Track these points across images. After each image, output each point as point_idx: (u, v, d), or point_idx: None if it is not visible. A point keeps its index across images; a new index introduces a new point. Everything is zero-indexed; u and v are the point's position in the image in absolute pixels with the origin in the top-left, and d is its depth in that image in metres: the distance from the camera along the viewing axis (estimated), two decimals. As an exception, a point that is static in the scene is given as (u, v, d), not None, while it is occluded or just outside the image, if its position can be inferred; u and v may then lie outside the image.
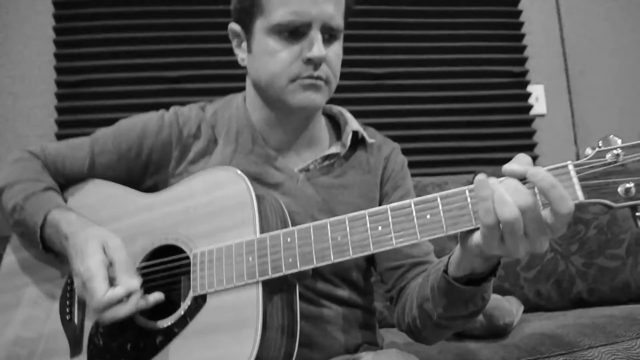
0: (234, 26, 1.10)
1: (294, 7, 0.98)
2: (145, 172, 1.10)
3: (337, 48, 1.05)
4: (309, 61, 1.00)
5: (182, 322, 0.89)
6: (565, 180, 0.71)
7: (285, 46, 1.01)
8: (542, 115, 2.54)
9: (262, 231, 0.89)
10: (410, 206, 0.79)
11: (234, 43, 1.11)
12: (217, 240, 0.91)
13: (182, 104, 1.16)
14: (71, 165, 1.11)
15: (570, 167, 0.73)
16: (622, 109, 2.59)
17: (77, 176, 1.11)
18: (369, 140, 1.15)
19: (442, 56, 2.48)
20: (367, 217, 0.81)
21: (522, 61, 2.53)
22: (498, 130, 2.48)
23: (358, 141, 1.15)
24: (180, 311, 0.90)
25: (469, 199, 0.76)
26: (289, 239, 0.85)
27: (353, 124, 1.15)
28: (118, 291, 0.86)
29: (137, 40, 2.31)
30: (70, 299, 1.01)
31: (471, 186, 0.75)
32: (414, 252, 1.09)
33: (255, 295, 0.85)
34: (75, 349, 0.97)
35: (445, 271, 0.87)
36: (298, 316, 0.90)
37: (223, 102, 1.17)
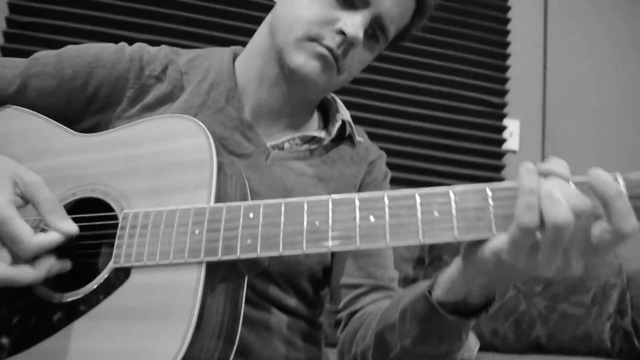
0: None
1: None
2: (87, 109, 0.89)
3: (369, 52, 0.91)
4: (340, 33, 0.83)
5: (92, 299, 0.68)
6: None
7: (326, 3, 0.84)
8: (513, 152, 2.46)
9: (217, 200, 0.70)
10: (415, 197, 0.62)
11: None
12: (158, 202, 0.71)
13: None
14: None
15: (620, 179, 0.56)
16: (594, 154, 2.54)
17: (0, 97, 0.88)
18: (357, 137, 0.99)
19: (425, 72, 2.36)
20: (356, 202, 0.63)
21: (503, 93, 2.44)
22: (468, 158, 2.38)
23: (344, 136, 0.99)
24: (93, 284, 0.69)
25: (490, 201, 0.59)
26: (251, 215, 0.66)
27: (345, 113, 0.99)
28: (53, 236, 0.65)
29: None
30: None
31: (493, 184, 0.59)
32: (378, 273, 0.94)
33: (194, 280, 0.65)
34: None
35: (429, 292, 0.69)
36: (241, 317, 0.71)
37: (205, 51, 0.98)
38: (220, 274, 0.67)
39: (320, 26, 0.83)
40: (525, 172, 0.55)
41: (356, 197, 0.64)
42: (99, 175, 0.76)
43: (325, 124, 1.02)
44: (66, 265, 0.70)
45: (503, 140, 2.42)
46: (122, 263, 0.68)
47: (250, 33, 0.97)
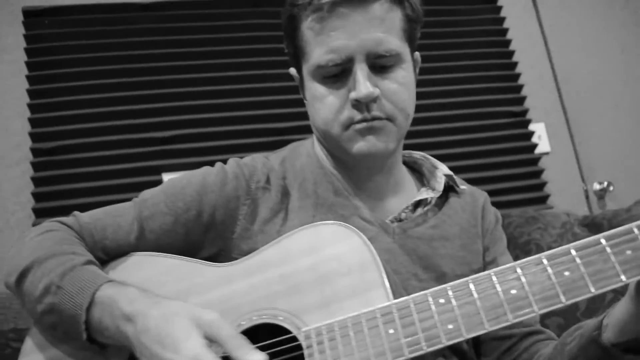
0: (292, 71, 0.98)
1: (330, 45, 0.84)
2: (205, 237, 0.89)
3: (399, 75, 0.88)
4: (357, 102, 0.84)
5: None
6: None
7: (332, 89, 0.87)
8: (547, 153, 2.47)
9: (394, 296, 0.69)
10: (601, 242, 0.62)
11: (299, 89, 0.98)
12: (333, 312, 0.70)
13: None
14: (114, 235, 0.88)
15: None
16: (622, 139, 2.56)
17: (122, 248, 0.88)
18: (461, 186, 1.00)
19: (441, 100, 2.39)
20: (544, 261, 0.63)
21: (521, 100, 2.47)
22: (506, 171, 2.38)
23: (447, 188, 0.99)
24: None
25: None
26: (441, 300, 0.66)
27: (443, 167, 1.00)
28: None
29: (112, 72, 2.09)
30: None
31: None
32: (525, 320, 0.93)
33: (406, 379, 0.64)
34: None
35: (599, 334, 0.70)
36: None
37: (289, 150, 0.99)
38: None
39: (343, 113, 0.86)
40: None
41: (543, 256, 0.64)
42: (260, 300, 0.75)
43: (422, 182, 1.03)
44: None
45: (534, 146, 2.44)
46: (323, 381, 0.67)
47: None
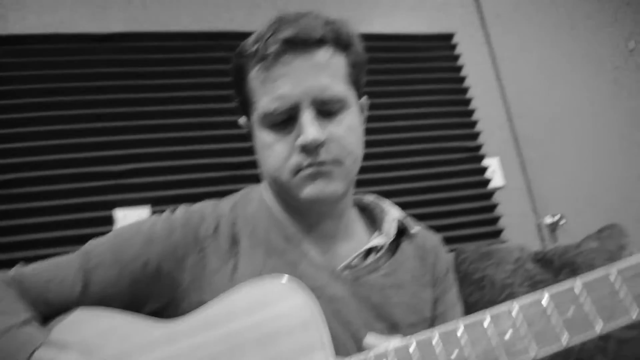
0: (241, 120, 0.98)
1: (276, 93, 0.86)
2: (153, 288, 0.87)
3: (346, 119, 0.89)
4: (304, 148, 0.85)
5: None
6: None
7: (279, 136, 0.88)
8: (500, 188, 2.52)
9: (343, 349, 0.69)
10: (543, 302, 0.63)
11: (250, 138, 0.99)
12: None
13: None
14: (58, 287, 0.85)
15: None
16: (573, 172, 2.65)
17: (65, 303, 0.85)
18: (413, 229, 1.00)
19: (396, 135, 2.42)
20: (544, 302, 0.63)
21: (475, 136, 2.53)
22: (461, 206, 2.42)
23: (400, 231, 1.00)
24: None
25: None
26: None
27: (395, 211, 1.00)
28: None
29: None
30: None
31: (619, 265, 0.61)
32: None
33: None
34: None
35: None
36: None
37: (241, 195, 0.99)
38: None
39: (291, 159, 0.87)
40: None
41: (546, 294, 0.64)
42: None
43: (374, 226, 1.03)
44: None
45: (488, 180, 2.49)
46: None
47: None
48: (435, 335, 0.65)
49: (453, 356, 0.63)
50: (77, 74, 2.06)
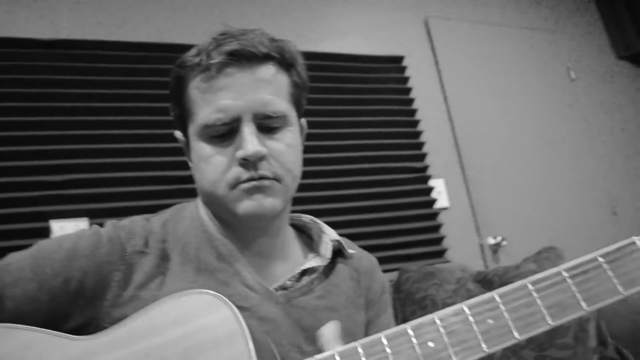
0: (177, 134, 0.96)
1: (218, 104, 0.84)
2: (74, 305, 0.82)
3: (286, 136, 0.88)
4: (244, 161, 0.84)
5: None
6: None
7: (218, 149, 0.86)
8: (445, 208, 2.57)
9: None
10: (464, 311, 0.64)
11: (185, 152, 0.96)
12: None
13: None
14: None
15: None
16: (515, 195, 2.72)
17: None
18: (349, 251, 1.00)
19: (345, 154, 2.43)
20: (466, 311, 0.64)
21: (422, 157, 2.57)
22: (406, 226, 2.44)
23: (335, 253, 0.99)
24: None
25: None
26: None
27: (331, 233, 0.99)
28: None
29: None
30: None
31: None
32: None
33: None
34: None
35: None
36: None
37: (171, 213, 0.95)
38: None
39: (230, 172, 0.85)
40: None
41: (464, 306, 0.64)
42: None
43: (310, 247, 1.02)
44: None
45: (434, 201, 2.53)
46: None
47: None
48: (358, 346, 0.65)
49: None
50: (13, 80, 1.99)
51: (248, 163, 0.84)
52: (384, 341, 0.65)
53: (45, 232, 1.86)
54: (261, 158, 0.84)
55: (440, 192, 2.57)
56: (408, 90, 2.65)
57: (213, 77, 0.85)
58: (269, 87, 0.86)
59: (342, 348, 0.66)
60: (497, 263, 2.54)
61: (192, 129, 0.89)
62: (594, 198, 2.99)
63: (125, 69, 2.15)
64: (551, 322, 0.63)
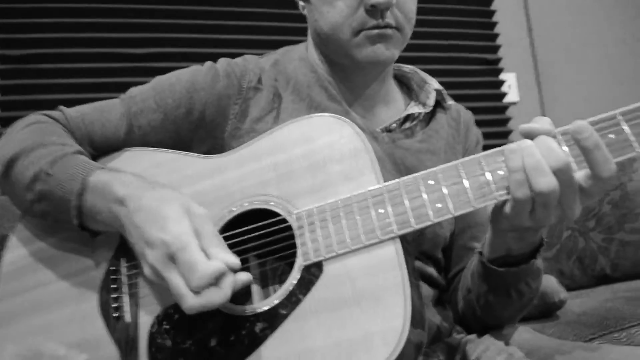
0: None
1: None
2: (195, 135, 0.88)
3: None
4: (372, 8, 0.84)
5: (292, 300, 0.68)
6: (617, 132, 0.64)
7: None
8: (514, 103, 2.53)
9: (384, 180, 0.72)
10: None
11: None
12: (325, 197, 0.72)
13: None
14: (102, 130, 0.87)
15: (620, 117, 0.65)
16: (587, 96, 2.64)
17: (110, 144, 0.87)
18: (449, 102, 1.02)
19: (416, 41, 2.39)
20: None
21: (495, 49, 2.51)
22: (475, 117, 2.42)
23: (435, 103, 1.01)
24: (288, 286, 0.69)
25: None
26: (430, 181, 0.68)
27: (433, 82, 1.01)
28: (219, 265, 0.62)
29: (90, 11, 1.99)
30: (117, 291, 0.77)
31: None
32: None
33: (394, 254, 0.66)
34: (129, 354, 0.74)
35: (481, 253, 0.80)
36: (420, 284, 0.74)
37: (281, 53, 0.98)
38: (403, 252, 0.68)
39: (355, 17, 0.85)
40: (509, 153, 0.65)
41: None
42: (251, 188, 0.76)
43: (410, 96, 1.04)
44: (248, 278, 0.67)
45: (503, 94, 2.49)
46: (313, 259, 0.69)
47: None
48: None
49: (501, 172, 0.66)
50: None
51: (375, 11, 0.84)
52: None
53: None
54: (388, 6, 0.85)
55: (511, 85, 2.52)
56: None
57: None
58: None
59: (463, 160, 0.69)
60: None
61: None
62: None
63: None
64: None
